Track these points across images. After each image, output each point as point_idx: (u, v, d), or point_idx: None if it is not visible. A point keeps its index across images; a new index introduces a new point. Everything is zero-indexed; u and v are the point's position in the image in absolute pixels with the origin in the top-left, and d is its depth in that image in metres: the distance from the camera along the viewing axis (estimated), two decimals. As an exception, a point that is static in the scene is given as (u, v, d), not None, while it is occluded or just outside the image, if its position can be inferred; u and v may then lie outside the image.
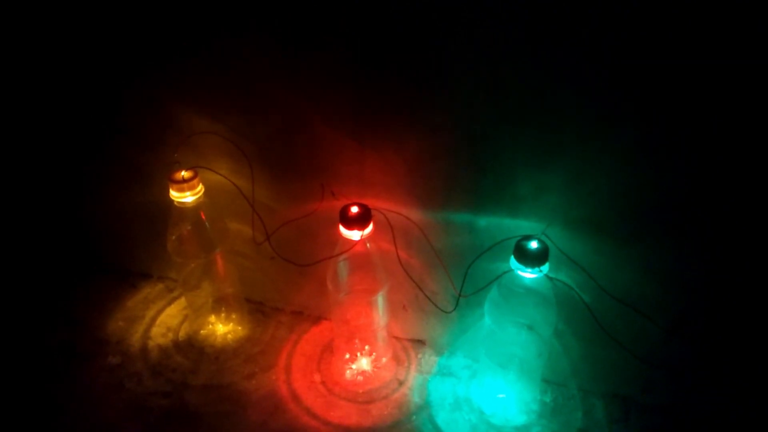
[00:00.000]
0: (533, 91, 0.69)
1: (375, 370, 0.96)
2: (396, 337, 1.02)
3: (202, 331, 1.04)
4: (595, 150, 0.70)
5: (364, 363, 0.97)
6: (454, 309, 0.88)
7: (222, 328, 1.05)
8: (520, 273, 0.74)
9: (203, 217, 0.92)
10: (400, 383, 0.94)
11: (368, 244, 0.84)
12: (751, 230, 0.69)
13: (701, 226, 0.71)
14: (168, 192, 0.88)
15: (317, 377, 0.96)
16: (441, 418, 0.88)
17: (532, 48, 0.66)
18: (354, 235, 0.80)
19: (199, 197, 0.89)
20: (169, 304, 1.11)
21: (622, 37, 0.61)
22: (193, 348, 1.01)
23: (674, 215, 0.71)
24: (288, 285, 1.05)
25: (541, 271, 0.72)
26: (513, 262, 0.74)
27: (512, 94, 0.70)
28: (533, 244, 0.72)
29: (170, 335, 1.04)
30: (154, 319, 1.07)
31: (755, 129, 0.62)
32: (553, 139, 0.71)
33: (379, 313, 0.92)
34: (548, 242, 0.74)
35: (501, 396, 0.90)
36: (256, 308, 1.10)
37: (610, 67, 0.64)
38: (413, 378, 0.95)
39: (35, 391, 0.94)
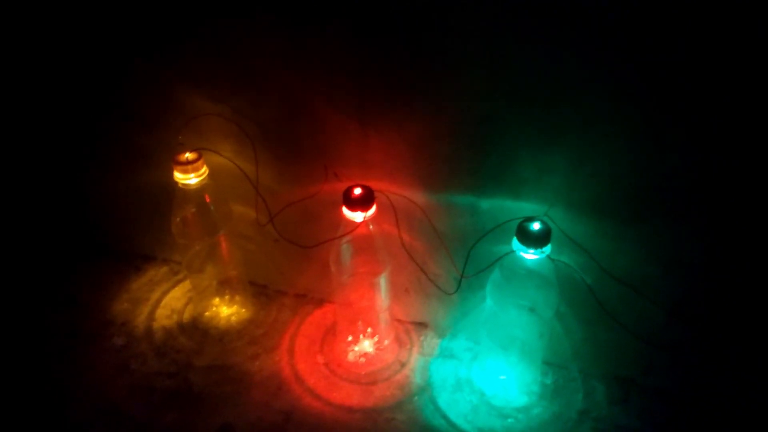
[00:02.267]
0: (536, 73, 0.69)
1: (377, 351, 0.97)
2: (398, 320, 1.03)
3: (206, 313, 1.05)
4: (598, 132, 0.70)
5: (366, 345, 0.98)
6: (456, 291, 0.88)
7: (226, 310, 1.05)
8: (522, 254, 0.74)
9: (207, 199, 0.93)
10: (402, 365, 0.95)
11: (371, 226, 0.84)
12: (753, 212, 0.69)
13: (703, 207, 0.71)
14: (172, 174, 0.88)
15: (320, 359, 0.97)
16: (442, 399, 0.89)
17: (535, 30, 0.66)
18: (357, 216, 0.80)
19: (203, 179, 0.89)
20: (174, 286, 1.12)
21: (626, 19, 0.61)
22: (197, 330, 1.02)
23: (676, 197, 0.71)
24: (291, 268, 1.06)
25: (543, 252, 0.73)
26: (515, 243, 0.74)
27: (515, 76, 0.70)
28: (535, 226, 0.72)
29: (175, 317, 1.05)
30: (158, 301, 1.08)
31: (758, 113, 0.62)
32: (556, 120, 0.71)
33: (382, 296, 0.93)
34: (551, 224, 0.74)
35: (502, 377, 0.91)
36: (259, 291, 1.10)
37: (613, 49, 0.64)
38: (415, 360, 0.96)
39: (41, 372, 0.95)
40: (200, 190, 0.90)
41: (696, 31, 0.59)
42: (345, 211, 0.80)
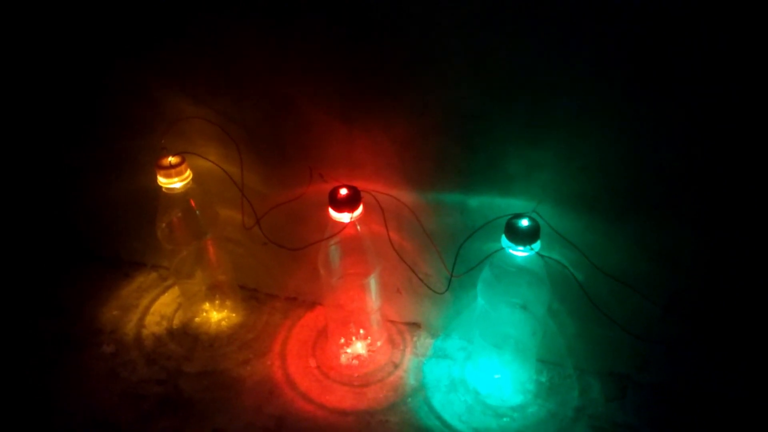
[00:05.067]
0: (522, 68, 0.68)
1: (370, 353, 0.96)
2: (391, 321, 1.02)
3: (196, 319, 1.04)
4: (587, 125, 0.69)
5: (359, 347, 0.97)
6: (447, 290, 0.87)
7: (216, 316, 1.04)
8: (511, 251, 0.73)
9: (192, 203, 0.91)
10: (396, 366, 0.94)
11: (358, 227, 0.83)
12: (746, 204, 0.68)
13: (695, 200, 0.70)
14: (157, 179, 0.87)
15: (312, 362, 0.95)
16: (437, 399, 0.88)
17: (518, 24, 0.64)
18: (344, 217, 0.79)
19: (188, 183, 0.88)
20: (163, 292, 1.11)
21: (611, 11, 0.60)
22: (187, 336, 1.01)
23: (667, 190, 0.70)
24: (281, 271, 1.05)
25: (532, 249, 0.72)
26: (504, 240, 0.73)
27: (501, 71, 0.69)
28: (524, 222, 0.71)
29: (164, 323, 1.03)
30: (148, 308, 1.07)
31: (749, 104, 0.61)
32: (543, 115, 0.70)
33: (372, 297, 0.92)
34: (540, 220, 0.73)
35: (497, 377, 0.90)
36: (250, 295, 1.09)
37: (599, 41, 0.62)
38: (408, 361, 0.95)
39: (29, 381, 0.94)
40: (185, 194, 0.89)
41: (684, 20, 0.58)
42: (331, 212, 0.79)
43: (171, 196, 0.89)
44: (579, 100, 0.68)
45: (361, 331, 0.97)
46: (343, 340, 0.97)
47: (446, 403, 0.87)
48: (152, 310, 1.07)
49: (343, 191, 0.78)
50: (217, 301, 1.05)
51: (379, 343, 0.97)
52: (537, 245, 0.72)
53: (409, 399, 0.88)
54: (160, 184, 0.86)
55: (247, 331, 1.01)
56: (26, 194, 1.14)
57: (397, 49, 0.72)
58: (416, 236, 0.87)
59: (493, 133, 0.74)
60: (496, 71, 0.69)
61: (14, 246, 1.21)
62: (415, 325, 1.01)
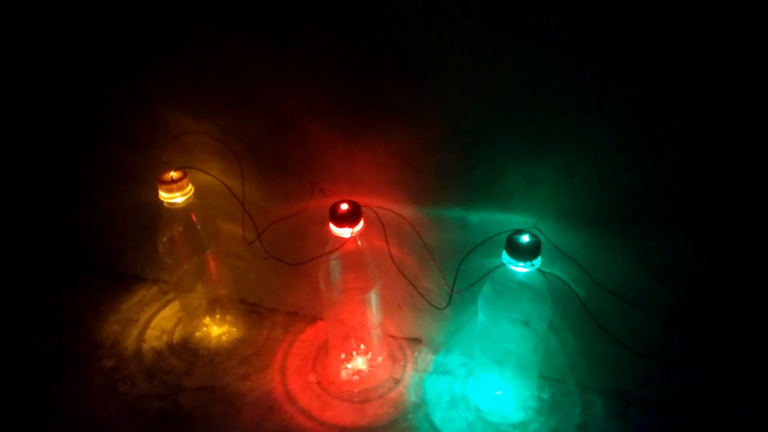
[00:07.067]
0: (521, 83, 0.68)
1: (371, 369, 0.95)
2: (392, 336, 1.01)
3: (196, 333, 1.03)
4: (586, 140, 0.69)
5: (359, 362, 0.96)
6: (448, 305, 0.87)
7: (216, 330, 1.04)
8: (512, 267, 0.73)
9: (194, 218, 0.91)
10: (396, 382, 0.94)
11: (359, 242, 0.83)
12: (747, 219, 0.67)
13: (696, 215, 0.69)
14: (159, 193, 0.87)
15: (312, 377, 0.95)
16: (437, 416, 0.87)
17: (518, 40, 0.65)
18: (344, 232, 0.79)
19: (189, 198, 0.88)
20: (164, 306, 1.10)
21: (609, 26, 0.60)
22: (187, 350, 1.01)
23: (668, 205, 0.70)
24: (282, 285, 1.04)
25: (533, 265, 0.71)
26: (505, 256, 0.73)
27: (500, 86, 0.69)
28: (524, 238, 0.71)
29: (164, 338, 1.03)
30: (148, 322, 1.07)
31: (748, 117, 0.61)
32: (543, 130, 0.70)
33: (373, 312, 0.91)
34: (540, 236, 0.73)
35: (498, 393, 0.89)
36: (251, 309, 1.09)
37: (599, 57, 0.63)
38: (409, 376, 0.94)
39: (29, 394, 0.93)
40: (186, 209, 0.89)
41: (682, 34, 0.58)
42: (332, 227, 0.79)
43: (172, 211, 0.89)
44: (579, 115, 0.68)
45: (362, 347, 0.97)
46: (343, 356, 0.97)
47: (447, 420, 0.87)
48: (152, 324, 1.06)
49: (344, 206, 0.78)
50: (217, 316, 1.05)
51: (379, 359, 0.96)
52: (538, 261, 0.72)
53: (410, 415, 0.88)
54: (162, 198, 0.87)
55: (248, 346, 1.01)
56: (27, 207, 1.15)
57: (396, 65, 0.72)
58: (417, 251, 0.87)
59: (493, 148, 0.74)
60: (495, 86, 0.69)
61: (14, 258, 1.21)
62: (416, 341, 1.00)
